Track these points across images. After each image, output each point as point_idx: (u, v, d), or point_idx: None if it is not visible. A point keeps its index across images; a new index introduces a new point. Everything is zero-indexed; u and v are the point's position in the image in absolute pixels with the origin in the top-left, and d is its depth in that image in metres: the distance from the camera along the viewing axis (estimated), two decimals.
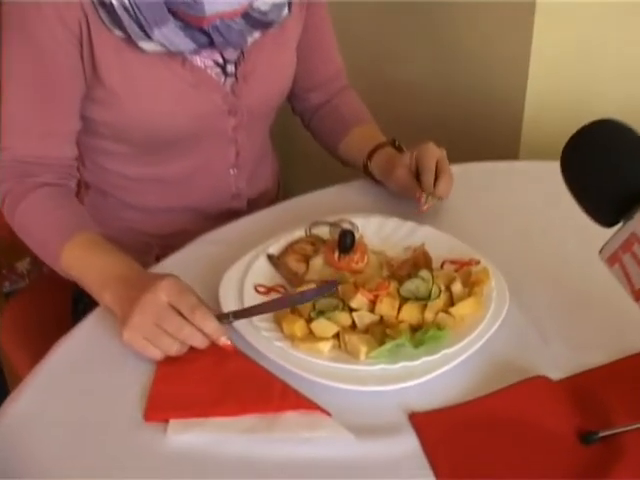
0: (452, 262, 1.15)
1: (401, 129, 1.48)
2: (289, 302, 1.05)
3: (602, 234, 0.86)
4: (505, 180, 1.39)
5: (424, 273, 1.07)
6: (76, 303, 1.45)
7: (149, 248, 1.39)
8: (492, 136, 1.73)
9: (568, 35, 1.68)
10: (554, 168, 0.90)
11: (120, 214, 1.39)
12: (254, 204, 1.45)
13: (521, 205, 1.32)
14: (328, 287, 1.06)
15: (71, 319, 1.44)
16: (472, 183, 1.33)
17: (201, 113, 1.29)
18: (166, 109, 1.25)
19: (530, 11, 1.61)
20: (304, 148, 1.68)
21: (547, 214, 1.28)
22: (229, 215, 1.36)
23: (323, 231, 1.22)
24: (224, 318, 1.02)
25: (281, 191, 1.59)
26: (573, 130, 0.87)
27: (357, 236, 1.16)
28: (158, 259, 1.28)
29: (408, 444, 0.93)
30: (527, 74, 1.68)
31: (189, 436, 0.92)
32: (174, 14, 1.18)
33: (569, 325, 1.09)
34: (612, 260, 0.86)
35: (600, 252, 0.87)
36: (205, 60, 1.27)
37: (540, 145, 1.71)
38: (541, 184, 1.33)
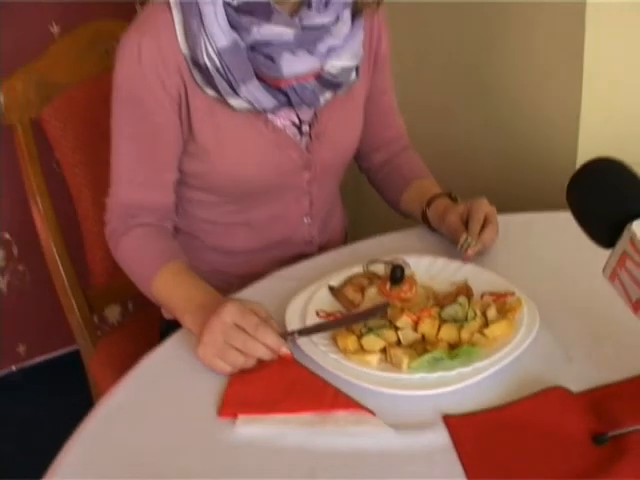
0: (491, 294, 1.30)
1: (457, 183, 1.65)
2: (345, 321, 1.22)
3: None
4: (543, 228, 1.55)
5: (461, 299, 1.23)
6: (163, 337, 1.64)
7: (230, 287, 1.57)
8: (545, 188, 1.89)
9: (616, 96, 1.83)
10: None
11: (205, 256, 1.58)
12: (324, 250, 1.62)
13: (556, 249, 1.46)
14: (379, 309, 1.23)
15: None
16: (513, 231, 1.50)
17: (281, 168, 1.49)
18: (250, 164, 1.46)
19: (578, 77, 1.78)
20: (372, 203, 1.85)
21: (580, 257, 1.40)
22: (301, 259, 1.54)
23: (379, 268, 1.38)
24: (288, 336, 1.20)
25: (348, 240, 1.77)
26: None
27: (408, 271, 1.33)
28: None
29: (441, 441, 1.07)
30: (577, 135, 1.85)
31: (255, 429, 1.09)
32: (257, 77, 1.38)
33: (594, 348, 1.22)
34: (612, 277, 1.01)
35: (603, 271, 1.02)
36: (284, 121, 1.47)
37: None
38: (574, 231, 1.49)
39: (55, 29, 2.31)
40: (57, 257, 1.75)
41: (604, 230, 0.99)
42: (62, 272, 1.75)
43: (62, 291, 1.78)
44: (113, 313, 2.65)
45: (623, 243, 0.97)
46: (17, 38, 2.25)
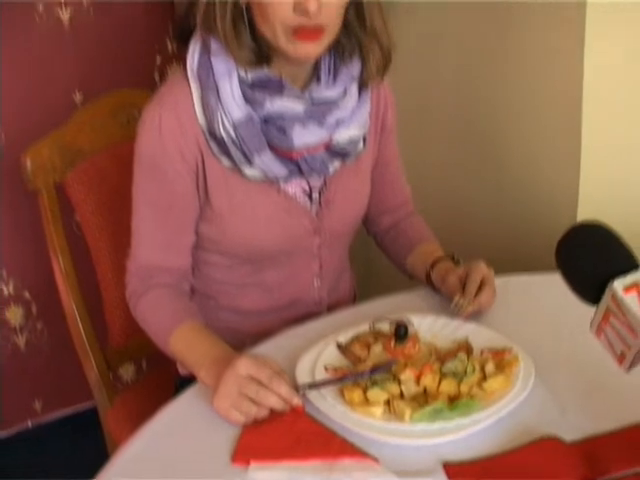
0: (490, 350, 1.38)
1: (460, 245, 1.74)
2: (352, 376, 1.30)
3: None
4: (539, 289, 1.62)
5: (461, 355, 1.31)
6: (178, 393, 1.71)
7: (242, 345, 1.65)
8: (543, 254, 1.97)
9: (616, 170, 1.92)
10: None
11: (220, 316, 1.66)
12: (332, 310, 1.70)
13: (552, 308, 1.54)
14: (384, 367, 1.31)
15: None
16: (512, 291, 1.59)
17: (292, 234, 1.57)
18: (263, 229, 1.54)
19: (576, 147, 1.87)
20: (380, 265, 1.93)
21: (576, 316, 1.48)
22: (311, 319, 1.62)
23: (385, 326, 1.46)
24: (299, 389, 1.28)
25: (357, 300, 1.84)
26: None
27: (411, 329, 1.41)
28: None
29: None
30: (577, 205, 1.93)
31: (266, 475, 1.16)
32: (270, 148, 1.48)
33: (586, 400, 1.30)
34: (598, 332, 1.09)
35: (590, 327, 1.10)
36: (295, 189, 1.56)
37: None
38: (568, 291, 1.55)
39: (78, 97, 2.43)
40: (77, 316, 1.83)
41: (589, 288, 1.08)
42: (81, 330, 1.84)
43: (81, 348, 1.86)
44: (127, 372, 2.73)
45: (606, 300, 1.05)
46: (42, 104, 2.37)
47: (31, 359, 2.62)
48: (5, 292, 2.51)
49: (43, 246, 1.85)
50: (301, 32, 1.38)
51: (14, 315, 2.55)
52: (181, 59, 1.51)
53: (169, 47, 2.53)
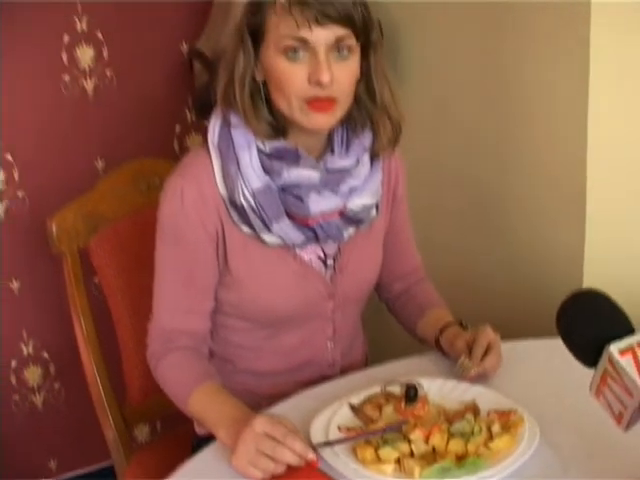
0: (496, 412, 1.43)
1: (468, 311, 1.80)
2: (364, 436, 1.35)
3: None
4: (545, 353, 1.66)
5: (468, 415, 1.37)
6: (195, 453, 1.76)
7: (258, 406, 1.69)
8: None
9: (621, 239, 1.98)
10: None
11: (236, 378, 1.71)
12: (345, 373, 1.76)
13: (556, 372, 1.58)
14: (393, 427, 1.36)
15: None
16: (518, 356, 1.64)
17: (307, 298, 1.64)
18: (280, 294, 1.61)
19: (581, 213, 1.94)
20: (392, 329, 1.99)
21: (579, 379, 1.51)
22: (324, 381, 1.67)
23: (396, 388, 1.51)
24: (315, 447, 1.33)
25: (368, 364, 1.90)
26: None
27: (421, 391, 1.46)
28: None
29: None
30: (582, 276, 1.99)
31: None
32: (287, 215, 1.55)
33: (587, 460, 1.35)
34: (597, 393, 1.15)
35: (590, 389, 1.16)
36: (310, 255, 1.63)
37: None
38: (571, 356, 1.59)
39: (100, 163, 2.53)
40: (97, 375, 1.89)
41: (588, 352, 1.14)
42: (101, 389, 1.90)
43: (100, 407, 1.91)
44: (142, 432, 2.77)
45: (603, 363, 1.11)
46: (66, 170, 2.48)
47: (47, 419, 2.67)
48: (24, 352, 2.57)
49: (63, 307, 1.92)
50: (314, 103, 1.47)
51: (32, 375, 2.61)
52: (199, 129, 1.60)
53: (188, 117, 2.62)
